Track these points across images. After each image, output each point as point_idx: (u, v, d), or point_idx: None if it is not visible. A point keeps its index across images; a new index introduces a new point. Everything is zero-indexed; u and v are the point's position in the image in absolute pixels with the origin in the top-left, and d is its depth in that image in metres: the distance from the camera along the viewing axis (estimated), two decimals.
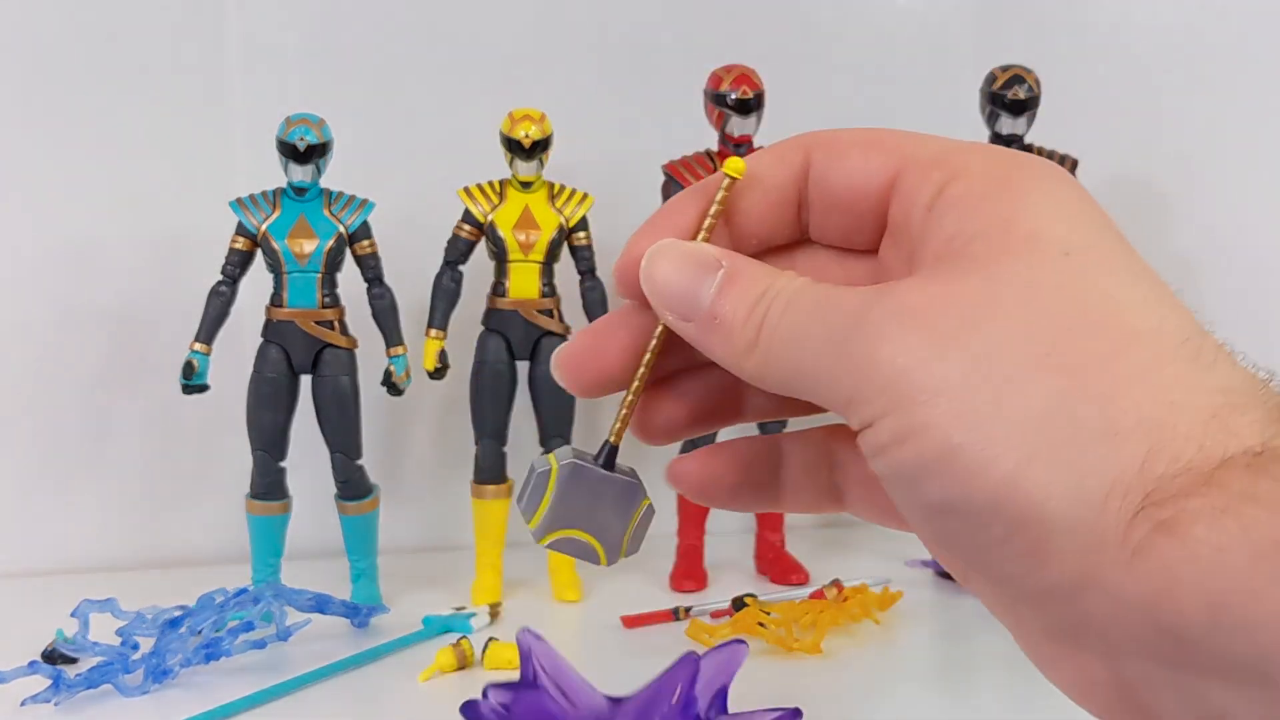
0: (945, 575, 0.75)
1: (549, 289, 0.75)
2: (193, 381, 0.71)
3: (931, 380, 0.28)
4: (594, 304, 0.77)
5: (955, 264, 0.30)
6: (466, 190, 0.75)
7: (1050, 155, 0.77)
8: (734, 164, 0.28)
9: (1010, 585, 0.27)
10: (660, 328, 0.31)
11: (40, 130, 0.81)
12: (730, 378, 0.31)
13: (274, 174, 0.72)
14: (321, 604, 0.66)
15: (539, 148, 0.74)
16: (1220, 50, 0.93)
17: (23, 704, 0.56)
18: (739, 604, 0.68)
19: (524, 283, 0.75)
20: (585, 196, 0.76)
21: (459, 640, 0.62)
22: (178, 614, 0.62)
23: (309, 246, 0.71)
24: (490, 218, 0.75)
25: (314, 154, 0.71)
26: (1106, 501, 0.27)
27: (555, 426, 0.76)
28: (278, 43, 0.84)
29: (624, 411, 0.32)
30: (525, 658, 0.43)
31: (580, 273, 0.77)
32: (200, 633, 0.61)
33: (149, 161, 0.82)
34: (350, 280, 0.74)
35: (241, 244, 0.72)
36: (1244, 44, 0.93)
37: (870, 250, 0.33)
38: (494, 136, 0.75)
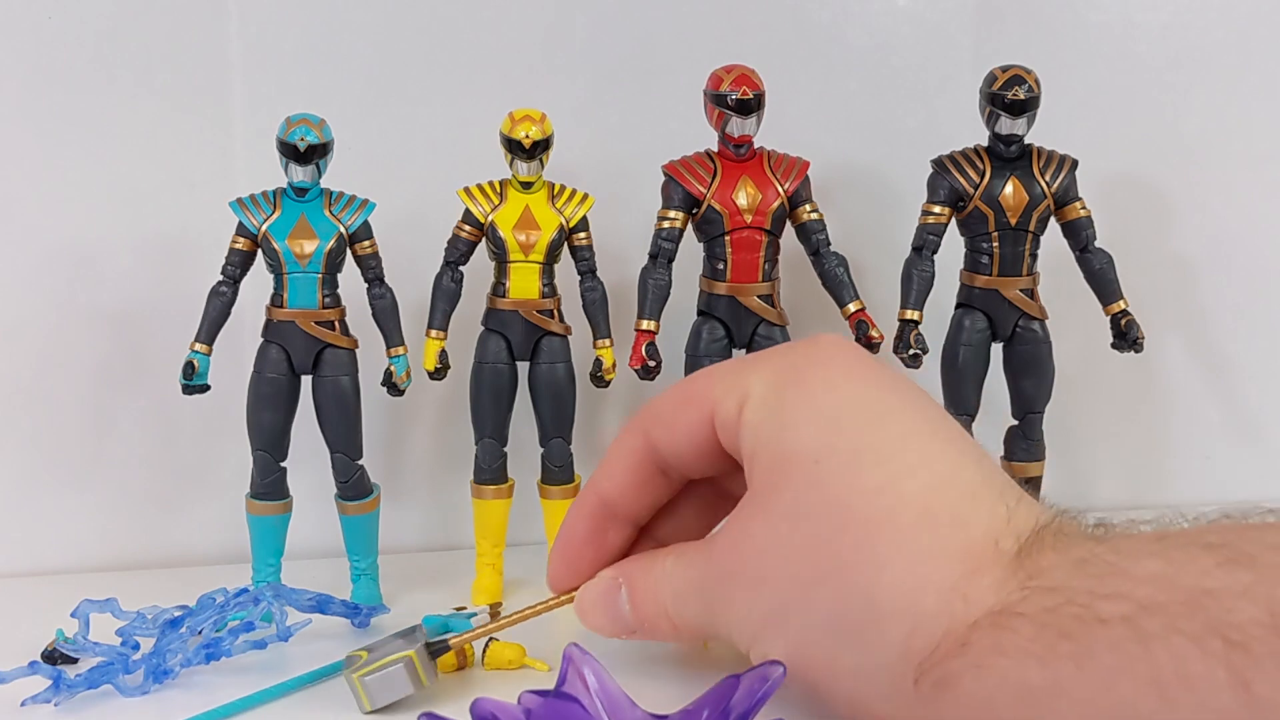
0: None
1: (549, 289, 0.75)
2: (193, 382, 0.71)
3: (752, 629, 0.39)
4: (594, 304, 0.77)
5: (751, 499, 0.39)
6: (467, 190, 0.75)
7: (1050, 155, 0.77)
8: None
9: None
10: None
11: (39, 130, 0.81)
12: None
13: (274, 174, 0.72)
14: (322, 604, 0.66)
15: (539, 148, 0.74)
16: (1220, 50, 0.93)
17: (23, 704, 0.56)
18: None
19: (524, 283, 0.75)
20: (585, 197, 0.76)
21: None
22: (178, 614, 0.62)
23: (309, 247, 0.71)
24: (490, 218, 0.75)
25: (315, 154, 0.71)
26: (894, 674, 0.34)
27: (555, 427, 0.76)
28: (278, 43, 0.84)
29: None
30: (565, 665, 0.43)
31: (580, 273, 0.77)
32: (200, 633, 0.61)
33: (149, 161, 0.82)
34: (350, 280, 0.74)
35: (242, 244, 0.72)
36: (1244, 44, 0.93)
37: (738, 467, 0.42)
38: (494, 136, 0.75)
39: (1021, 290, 0.77)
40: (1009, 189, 0.76)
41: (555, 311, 0.76)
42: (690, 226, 0.77)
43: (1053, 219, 0.78)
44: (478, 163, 0.76)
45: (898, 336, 0.77)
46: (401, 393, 0.75)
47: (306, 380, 0.73)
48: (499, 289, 0.75)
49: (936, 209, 0.77)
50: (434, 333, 0.75)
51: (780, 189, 0.76)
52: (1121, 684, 0.29)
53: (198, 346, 0.72)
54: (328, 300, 0.72)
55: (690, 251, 0.78)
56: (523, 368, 0.76)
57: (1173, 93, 0.93)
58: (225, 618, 0.62)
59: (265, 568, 0.72)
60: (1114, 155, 0.90)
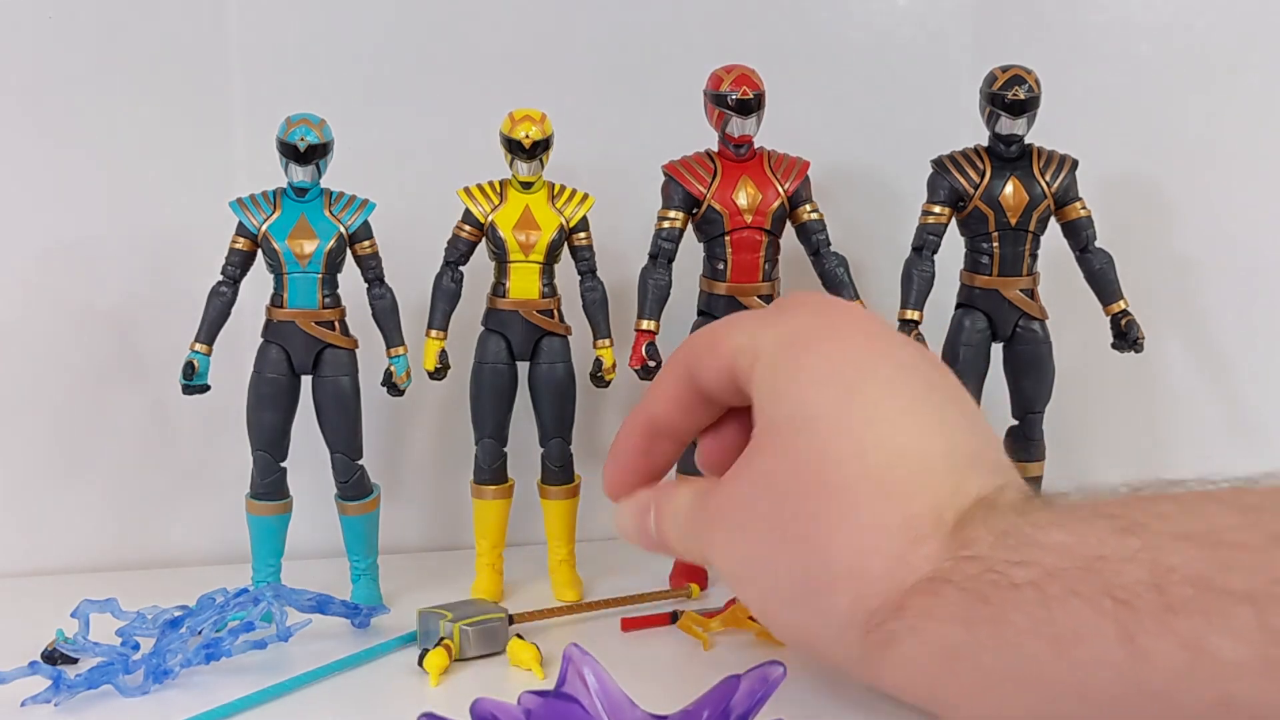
0: None
1: (549, 289, 0.75)
2: (193, 382, 0.71)
3: (729, 569, 0.43)
4: (594, 304, 0.77)
5: (747, 454, 0.42)
6: (467, 190, 0.75)
7: (1050, 155, 0.77)
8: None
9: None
10: None
11: (39, 130, 0.81)
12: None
13: (274, 174, 0.72)
14: (322, 604, 0.66)
15: (539, 148, 0.74)
16: (1220, 50, 0.93)
17: (23, 704, 0.56)
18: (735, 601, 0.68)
19: (524, 283, 0.75)
20: (586, 197, 0.76)
21: (441, 640, 0.62)
22: (178, 614, 0.62)
23: (309, 247, 0.71)
24: (490, 218, 0.75)
25: (315, 154, 0.71)
26: (844, 633, 0.38)
27: (555, 427, 0.76)
28: (278, 43, 0.84)
29: None
30: (565, 666, 0.43)
31: (580, 273, 0.77)
32: (200, 633, 0.61)
33: (149, 161, 0.82)
34: (351, 280, 0.74)
35: (242, 244, 0.72)
36: (1244, 44, 0.93)
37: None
38: (494, 136, 0.75)
39: (1022, 290, 0.77)
40: (1009, 189, 0.76)
41: (555, 311, 0.76)
42: (690, 226, 0.77)
43: (1053, 219, 0.78)
44: (478, 163, 0.76)
45: None
46: (401, 393, 0.75)
47: (306, 380, 0.73)
48: (499, 289, 0.75)
49: (936, 209, 0.77)
50: (434, 333, 0.75)
51: (780, 189, 0.76)
52: (1028, 642, 0.33)
53: (198, 346, 0.72)
54: (328, 300, 0.72)
55: (690, 251, 0.78)
56: (523, 368, 0.76)
57: (1173, 92, 0.93)
58: (225, 618, 0.62)
59: (265, 568, 0.72)
60: (1114, 155, 0.90)
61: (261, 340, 0.72)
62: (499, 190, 0.75)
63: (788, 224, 0.78)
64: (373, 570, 0.75)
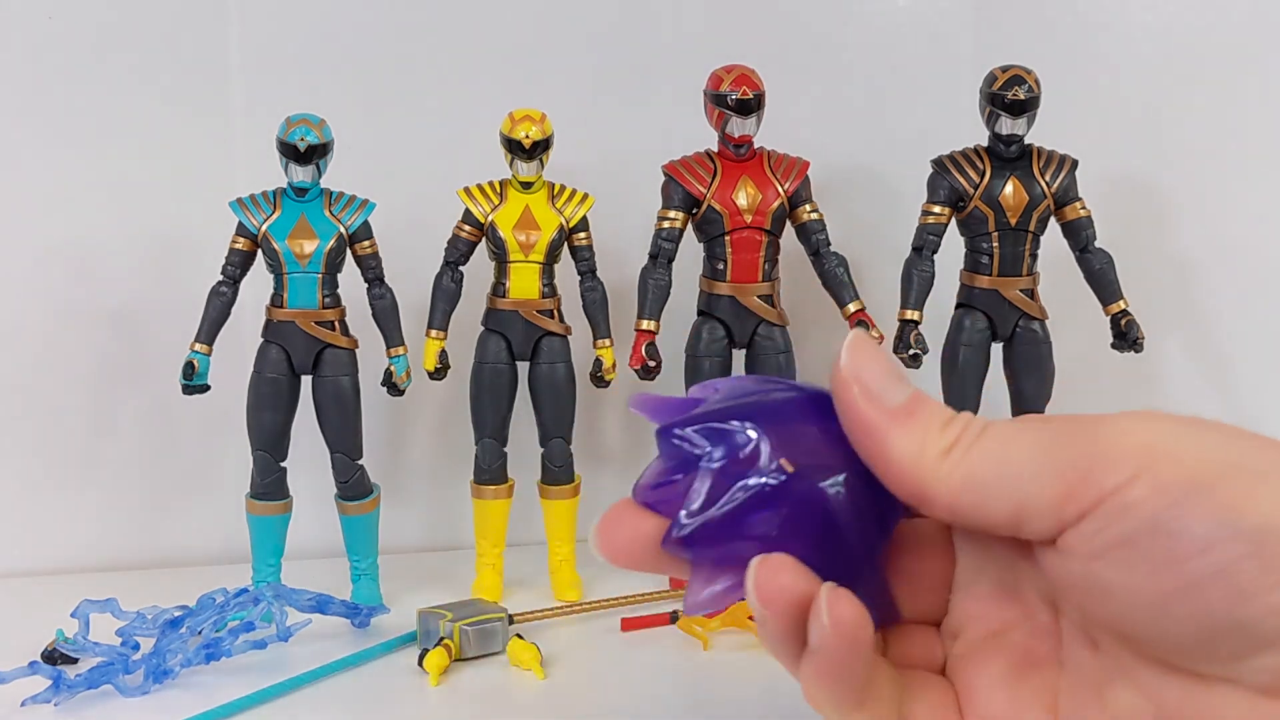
0: None
1: (549, 289, 0.75)
2: (193, 382, 0.71)
3: (1180, 448, 0.29)
4: (594, 304, 0.77)
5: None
6: (467, 190, 0.75)
7: (1050, 155, 0.77)
8: None
9: (1218, 614, 0.27)
10: None
11: (40, 130, 0.81)
12: None
13: (274, 174, 0.72)
14: (322, 604, 0.66)
15: (539, 148, 0.74)
16: (1220, 50, 0.93)
17: (23, 704, 0.56)
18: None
19: (524, 283, 0.75)
20: (585, 197, 0.76)
21: (441, 640, 0.62)
22: (178, 614, 0.62)
23: (309, 247, 0.71)
24: (490, 218, 0.75)
25: (314, 154, 0.71)
26: None
27: (555, 427, 0.76)
28: (278, 43, 0.84)
29: None
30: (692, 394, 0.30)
31: (580, 273, 0.77)
32: (200, 633, 0.61)
33: (149, 161, 0.82)
34: (351, 280, 0.74)
35: (242, 244, 0.72)
36: (1244, 44, 0.93)
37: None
38: (494, 136, 0.75)
39: (1022, 290, 0.77)
40: (1009, 189, 0.76)
41: (555, 311, 0.76)
42: (690, 226, 0.77)
43: (1053, 219, 0.78)
44: (478, 163, 0.76)
45: (898, 336, 0.77)
46: (401, 393, 0.75)
47: (306, 380, 0.73)
48: (499, 289, 0.75)
49: (936, 209, 0.77)
50: (434, 333, 0.75)
51: (780, 189, 0.76)
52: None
53: (198, 346, 0.72)
54: (328, 300, 0.72)
55: (690, 251, 0.78)
56: (523, 368, 0.76)
57: (1173, 93, 0.93)
58: (225, 618, 0.62)
59: (265, 568, 0.72)
60: (1114, 155, 0.90)
61: (262, 340, 0.72)
62: (499, 190, 0.75)
63: (788, 224, 0.77)
64: (373, 570, 0.75)
